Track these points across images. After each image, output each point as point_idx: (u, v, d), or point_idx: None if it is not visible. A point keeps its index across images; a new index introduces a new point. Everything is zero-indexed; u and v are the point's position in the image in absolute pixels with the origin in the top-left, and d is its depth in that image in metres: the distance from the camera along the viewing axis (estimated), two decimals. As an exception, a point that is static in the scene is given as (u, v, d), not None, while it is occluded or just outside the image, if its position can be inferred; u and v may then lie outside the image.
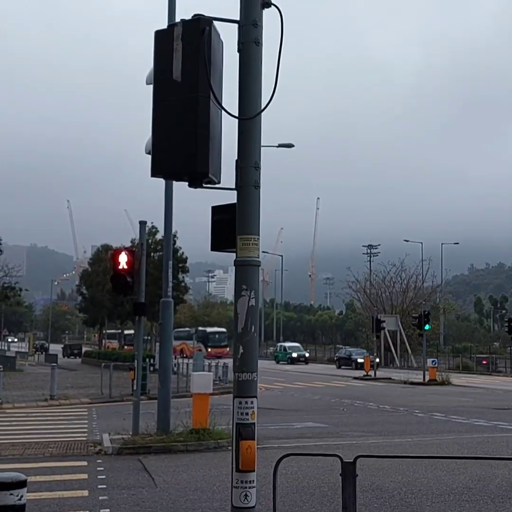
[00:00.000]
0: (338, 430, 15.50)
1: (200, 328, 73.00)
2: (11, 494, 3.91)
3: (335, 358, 54.50)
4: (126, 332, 68.82)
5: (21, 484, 3.98)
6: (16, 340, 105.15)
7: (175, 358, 41.69)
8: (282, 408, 20.13)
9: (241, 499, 4.11)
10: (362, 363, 44.48)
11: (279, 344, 66.09)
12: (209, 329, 72.15)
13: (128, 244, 46.91)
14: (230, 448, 11.93)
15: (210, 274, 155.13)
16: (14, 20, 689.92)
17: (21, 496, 3.94)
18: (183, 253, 56.35)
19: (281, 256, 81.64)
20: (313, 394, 26.36)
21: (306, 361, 58.36)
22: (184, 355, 61.06)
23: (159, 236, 52.70)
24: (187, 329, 76.39)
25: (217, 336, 69.24)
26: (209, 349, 64.92)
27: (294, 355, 58.54)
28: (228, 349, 69.51)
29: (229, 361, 33.66)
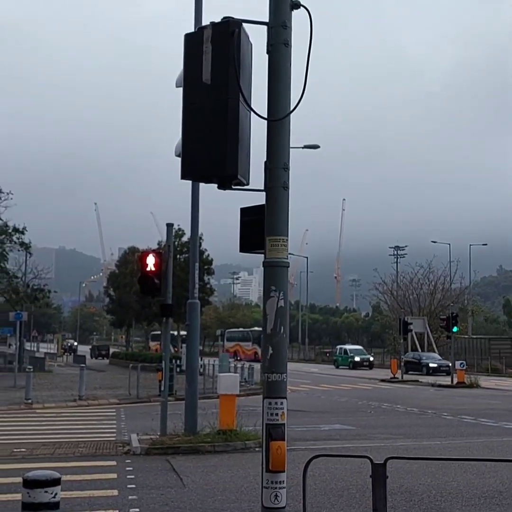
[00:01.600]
0: (365, 432, 15.42)
1: (255, 328, 68.90)
2: (46, 491, 3.97)
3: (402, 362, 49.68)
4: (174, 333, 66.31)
5: (55, 482, 4.04)
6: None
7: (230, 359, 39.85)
8: (308, 410, 20.09)
9: (271, 499, 4.12)
10: (434, 368, 41.87)
11: (339, 346, 59.78)
12: None
13: (155, 247, 47.24)
14: (257, 449, 11.96)
15: (235, 276, 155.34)
16: (42, 21, 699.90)
17: (56, 494, 4.00)
18: (208, 255, 56.57)
19: (306, 257, 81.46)
20: (340, 396, 26.26)
21: (371, 365, 52.74)
22: (238, 358, 58.35)
23: (185, 238, 52.99)
24: (242, 329, 72.54)
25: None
26: None
27: (357, 359, 53.49)
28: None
29: (256, 363, 33.73)
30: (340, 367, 53.44)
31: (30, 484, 4.03)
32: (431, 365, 43.21)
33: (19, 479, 7.52)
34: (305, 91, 4.26)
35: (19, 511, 4.12)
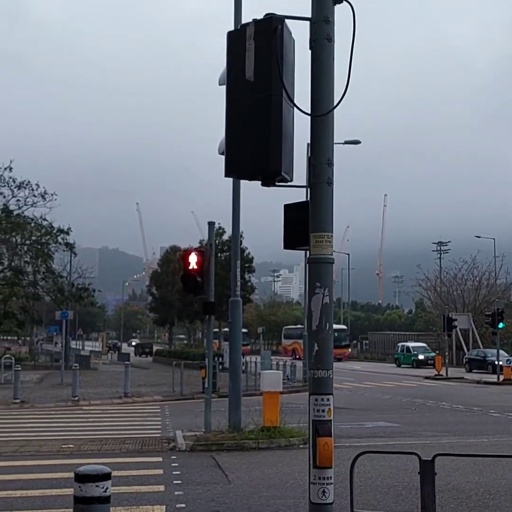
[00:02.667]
0: (410, 429, 15.26)
1: None
2: (97, 486, 4.04)
3: (465, 360, 45.29)
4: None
5: (106, 476, 4.11)
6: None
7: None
8: (352, 408, 19.98)
9: (319, 495, 4.12)
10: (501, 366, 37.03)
11: (400, 343, 55.18)
12: None
13: (196, 245, 47.56)
14: (301, 446, 11.96)
15: (275, 274, 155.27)
16: (83, 21, 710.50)
17: (106, 488, 4.07)
18: (249, 253, 56.69)
19: (348, 254, 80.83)
20: (384, 393, 26.03)
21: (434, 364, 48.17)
22: (296, 356, 55.79)
23: (225, 237, 53.20)
24: (301, 326, 70.29)
25: (336, 334, 59.67)
26: None
27: (421, 357, 49.66)
28: (349, 350, 61.49)
29: (299, 361, 33.52)
30: (402, 365, 50.46)
31: (82, 478, 4.11)
32: (498, 363, 38.11)
33: (68, 474, 7.68)
34: (348, 86, 4.24)
35: (70, 505, 4.20)
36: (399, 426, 15.93)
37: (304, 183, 5.23)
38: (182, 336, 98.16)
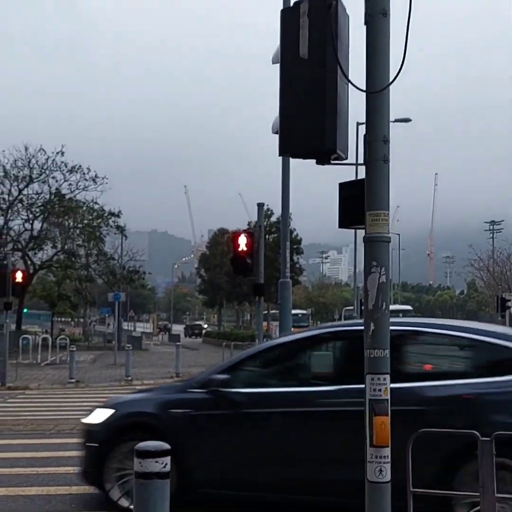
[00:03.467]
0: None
1: (404, 306, 59.50)
2: (157, 461, 4.13)
3: None
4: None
5: (165, 452, 4.19)
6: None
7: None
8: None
9: (376, 473, 4.13)
10: None
11: None
12: (391, 307, 57.14)
13: (243, 227, 47.75)
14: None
15: (324, 255, 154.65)
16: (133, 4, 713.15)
17: (166, 464, 4.15)
18: (297, 234, 56.59)
19: (398, 235, 79.87)
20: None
21: None
22: None
23: (273, 218, 53.21)
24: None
25: (401, 315, 49.64)
26: None
27: None
28: None
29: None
30: None
31: (142, 454, 4.21)
32: None
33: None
34: (404, 62, 4.16)
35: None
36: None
37: (352, 161, 5.19)
38: (229, 318, 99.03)
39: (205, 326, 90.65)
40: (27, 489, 7.84)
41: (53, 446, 10.48)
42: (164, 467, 4.17)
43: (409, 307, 59.27)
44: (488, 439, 4.29)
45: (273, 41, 6.01)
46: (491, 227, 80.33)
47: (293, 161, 12.79)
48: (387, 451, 4.14)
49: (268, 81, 4.92)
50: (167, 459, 4.20)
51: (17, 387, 20.51)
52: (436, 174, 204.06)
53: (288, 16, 4.22)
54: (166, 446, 4.20)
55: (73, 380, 21.60)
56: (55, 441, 11.04)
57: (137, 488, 4.20)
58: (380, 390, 4.20)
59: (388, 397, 4.20)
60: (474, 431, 4.40)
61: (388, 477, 4.13)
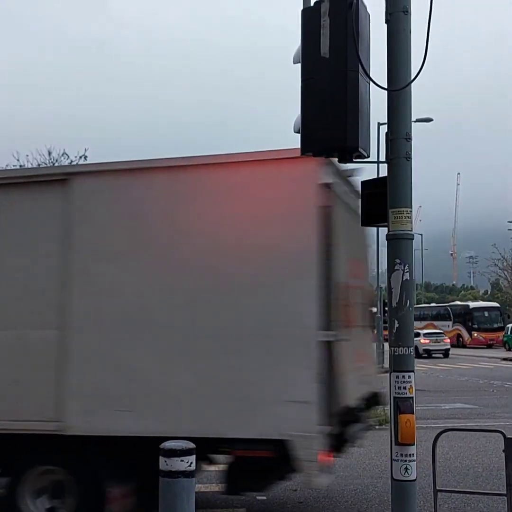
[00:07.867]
0: (488, 411, 14.96)
1: (457, 302, 57.64)
2: (182, 460, 4.16)
3: None
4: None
5: (190, 451, 4.22)
6: None
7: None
8: (428, 389, 19.70)
9: (401, 472, 4.12)
10: None
11: (509, 325, 46.34)
12: (472, 304, 52.30)
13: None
14: (377, 427, 11.86)
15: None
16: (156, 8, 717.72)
17: (191, 463, 4.18)
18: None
19: (421, 235, 79.21)
20: (460, 375, 25.55)
21: None
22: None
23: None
24: (435, 305, 59.03)
25: (486, 314, 49.79)
26: (475, 334, 48.81)
27: None
28: (502, 333, 47.00)
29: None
30: None
31: (167, 453, 4.24)
32: None
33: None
34: (426, 60, 4.15)
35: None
36: (478, 407, 15.64)
37: (374, 159, 5.19)
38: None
39: None
40: None
41: None
42: (190, 466, 4.21)
43: (496, 304, 54.71)
44: (515, 437, 4.27)
45: (294, 41, 6.01)
46: (515, 226, 79.24)
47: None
48: (413, 449, 4.13)
49: (292, 80, 4.92)
50: (192, 458, 4.23)
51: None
52: (459, 173, 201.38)
53: (309, 16, 4.23)
54: (191, 445, 4.23)
55: None
56: None
57: (163, 486, 4.23)
58: (405, 388, 4.19)
59: (413, 395, 4.20)
60: (501, 430, 4.38)
61: (414, 476, 4.13)
